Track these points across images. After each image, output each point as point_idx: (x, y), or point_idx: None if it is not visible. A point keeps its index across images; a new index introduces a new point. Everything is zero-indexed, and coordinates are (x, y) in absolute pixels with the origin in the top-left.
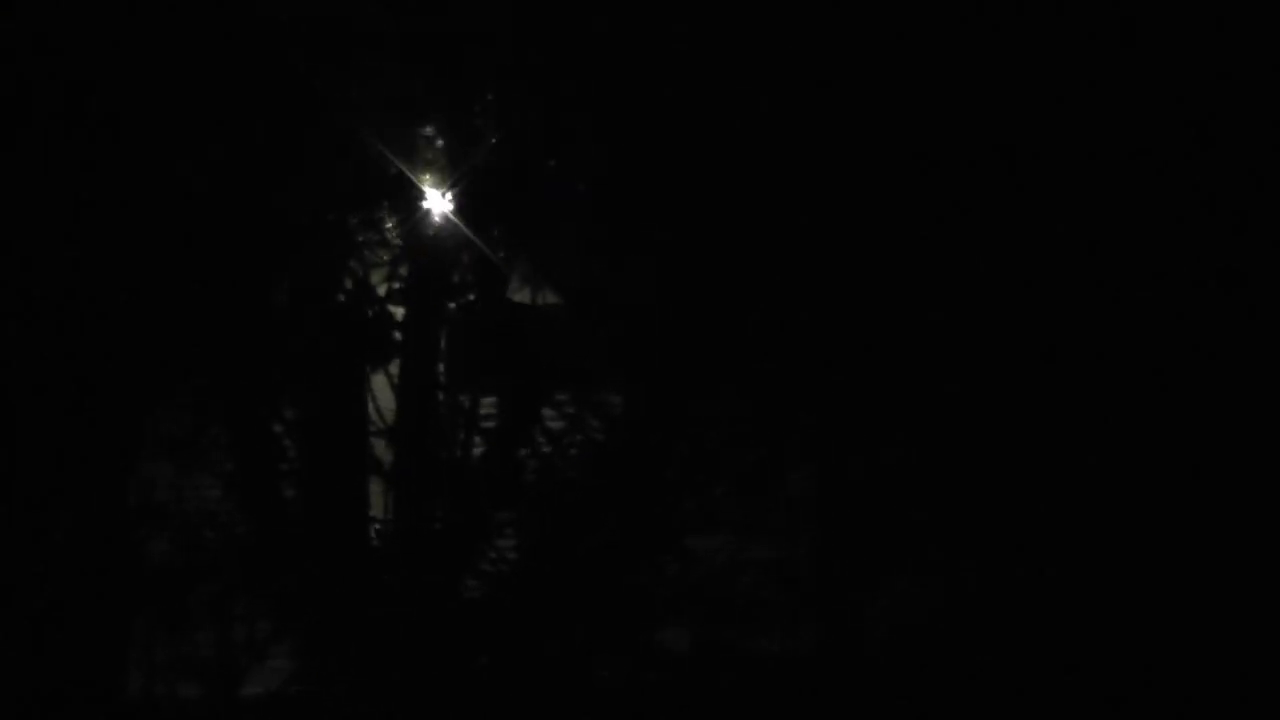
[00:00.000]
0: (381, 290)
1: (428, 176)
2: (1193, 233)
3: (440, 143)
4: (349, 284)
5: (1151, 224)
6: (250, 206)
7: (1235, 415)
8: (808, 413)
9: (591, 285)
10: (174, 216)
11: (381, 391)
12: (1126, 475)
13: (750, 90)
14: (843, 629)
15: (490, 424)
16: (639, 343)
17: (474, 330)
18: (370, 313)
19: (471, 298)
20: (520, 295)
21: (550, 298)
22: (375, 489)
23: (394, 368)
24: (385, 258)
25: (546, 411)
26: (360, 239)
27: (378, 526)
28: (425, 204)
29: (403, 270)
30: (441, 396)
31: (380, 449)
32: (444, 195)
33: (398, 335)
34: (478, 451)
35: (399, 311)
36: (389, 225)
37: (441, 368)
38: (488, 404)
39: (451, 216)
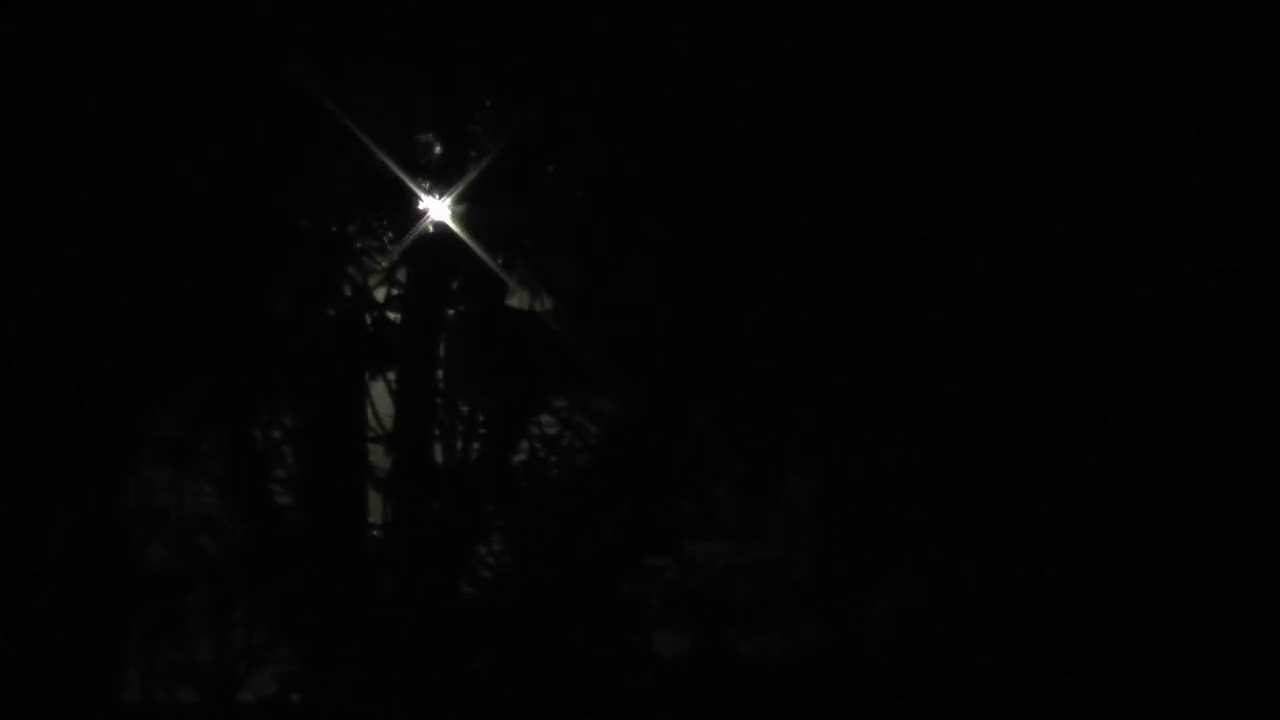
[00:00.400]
0: (380, 296)
1: (426, 183)
2: (1193, 233)
3: (438, 149)
4: (348, 290)
5: (1151, 224)
6: (249, 212)
7: (1235, 415)
8: (807, 413)
9: (590, 289)
10: (174, 220)
11: (380, 398)
12: (1126, 475)
13: (750, 90)
14: (843, 629)
15: (489, 429)
16: (637, 346)
17: (472, 336)
18: (369, 319)
19: (470, 304)
20: (518, 301)
21: (548, 303)
22: (374, 494)
23: (393, 374)
24: (384, 264)
25: (544, 417)
26: (359, 245)
27: (376, 532)
28: (424, 210)
29: (401, 276)
30: (440, 402)
31: (379, 455)
32: (442, 201)
33: (396, 341)
34: (476, 457)
35: (397, 318)
36: (388, 232)
37: (440, 374)
38: (486, 409)
39: (450, 223)
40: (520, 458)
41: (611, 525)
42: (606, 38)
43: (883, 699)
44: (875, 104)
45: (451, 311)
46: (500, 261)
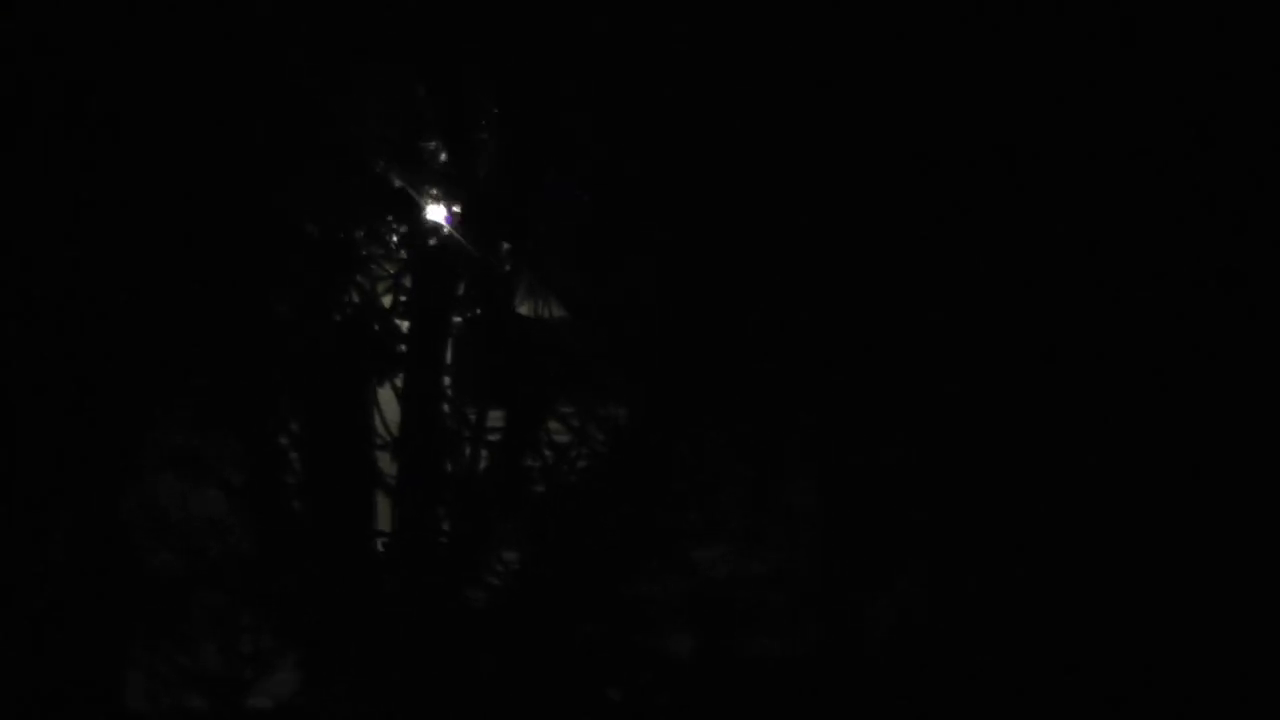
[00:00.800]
0: (386, 302)
1: (432, 189)
2: (1193, 233)
3: (443, 155)
4: (354, 297)
5: (1151, 224)
6: (256, 218)
7: (1235, 416)
8: (808, 415)
9: (594, 293)
10: (179, 224)
11: (388, 404)
12: (1125, 475)
13: (750, 91)
14: (844, 631)
15: (495, 435)
16: (640, 349)
17: (479, 343)
18: (375, 326)
19: (476, 310)
20: (524, 307)
21: (554, 309)
22: (382, 500)
23: (400, 380)
24: (390, 270)
25: (551, 423)
26: (365, 252)
27: (383, 537)
28: (429, 217)
29: (407, 282)
30: (447, 408)
31: (386, 461)
32: (448, 208)
33: (402, 348)
34: (483, 463)
35: (404, 324)
36: (394, 238)
37: (447, 380)
38: (493, 415)
39: (455, 229)
40: (526, 463)
41: (616, 530)
42: (607, 39)
43: (884, 700)
44: (875, 104)
45: (458, 317)
46: (506, 267)
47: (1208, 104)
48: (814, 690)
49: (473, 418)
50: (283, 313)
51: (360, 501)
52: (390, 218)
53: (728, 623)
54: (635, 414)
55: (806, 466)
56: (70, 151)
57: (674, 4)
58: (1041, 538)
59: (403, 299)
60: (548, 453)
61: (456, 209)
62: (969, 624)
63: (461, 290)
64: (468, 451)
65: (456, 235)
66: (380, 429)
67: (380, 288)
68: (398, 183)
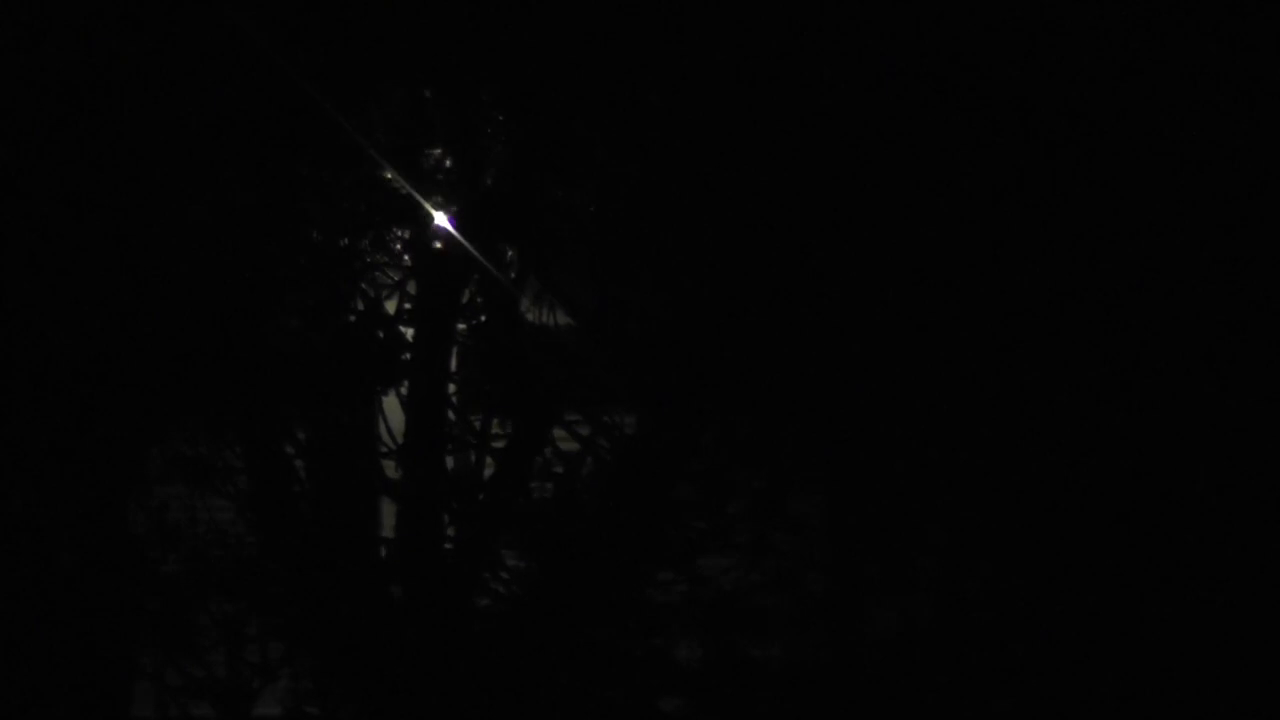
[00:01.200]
0: (391, 309)
1: (437, 196)
2: (1192, 232)
3: (449, 162)
4: (360, 305)
5: (1151, 224)
6: (261, 225)
7: (1235, 416)
8: (817, 421)
9: (601, 301)
10: (185, 232)
11: (394, 412)
12: (1128, 488)
13: (759, 102)
14: (851, 638)
15: (501, 444)
16: (650, 360)
17: (484, 351)
18: (380, 333)
19: (481, 318)
20: (530, 315)
21: (560, 317)
22: (387, 508)
23: (405, 387)
24: (395, 278)
25: (557, 431)
26: (370, 259)
27: (389, 545)
28: (435, 224)
29: (412, 289)
30: (452, 417)
31: (392, 469)
32: (454, 215)
33: (407, 355)
34: (489, 471)
35: (409, 331)
36: (399, 245)
37: (452, 387)
38: (499, 424)
39: (461, 237)
40: (532, 471)
41: (622, 539)
42: (614, 48)
43: (890, 707)
44: (885, 116)
45: (462, 325)
46: (511, 275)
47: (1208, 103)
48: (820, 698)
49: (478, 425)
50: (289, 320)
51: (366, 509)
52: (395, 225)
53: (735, 630)
54: (642, 422)
55: (814, 474)
56: (80, 158)
57: (684, 15)
58: (1047, 542)
59: (407, 306)
60: (553, 461)
61: (461, 216)
62: (974, 633)
63: (466, 297)
64: (473, 459)
65: (461, 242)
66: (385, 436)
67: (385, 295)
68: (403, 190)
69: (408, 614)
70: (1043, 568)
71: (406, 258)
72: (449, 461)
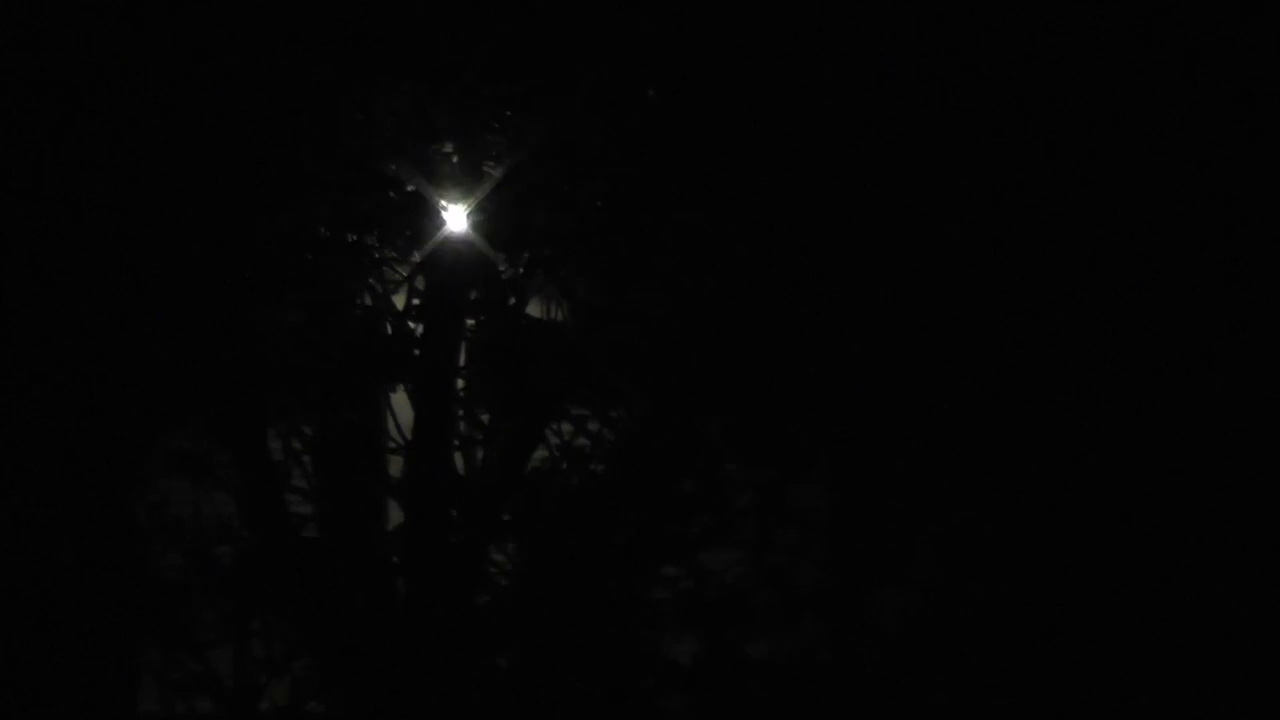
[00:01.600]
0: (399, 305)
1: (445, 192)
2: (1193, 232)
3: (456, 159)
4: (367, 300)
5: (1151, 224)
6: (269, 220)
7: (1235, 418)
8: (820, 417)
9: (607, 299)
10: (194, 227)
11: (402, 408)
12: (1124, 486)
13: (766, 100)
14: (851, 633)
15: (507, 438)
16: (653, 355)
17: (491, 346)
18: (388, 328)
19: (488, 314)
20: (537, 310)
21: (565, 312)
22: (393, 503)
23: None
24: (403, 273)
25: (563, 425)
26: (378, 255)
27: (394, 540)
28: (443, 221)
29: (420, 285)
30: (460, 412)
31: (398, 464)
32: (462, 212)
33: (415, 351)
34: (495, 465)
35: (417, 327)
36: (407, 241)
37: (459, 382)
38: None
39: (469, 233)
40: (538, 466)
41: (627, 534)
42: (623, 47)
43: (891, 704)
44: (885, 115)
45: (470, 321)
46: (519, 271)
47: (1208, 103)
48: (821, 693)
49: (485, 420)
50: (297, 315)
51: (371, 505)
52: (404, 220)
53: (737, 625)
54: (646, 417)
55: (816, 469)
56: (82, 155)
57: (693, 14)
58: (1047, 539)
59: (415, 302)
60: (557, 455)
61: (469, 212)
62: (973, 628)
63: (474, 293)
64: (479, 454)
65: (469, 238)
66: (394, 433)
67: (392, 290)
68: (410, 186)
69: (411, 610)
70: (1042, 565)
71: (414, 254)
72: (457, 458)
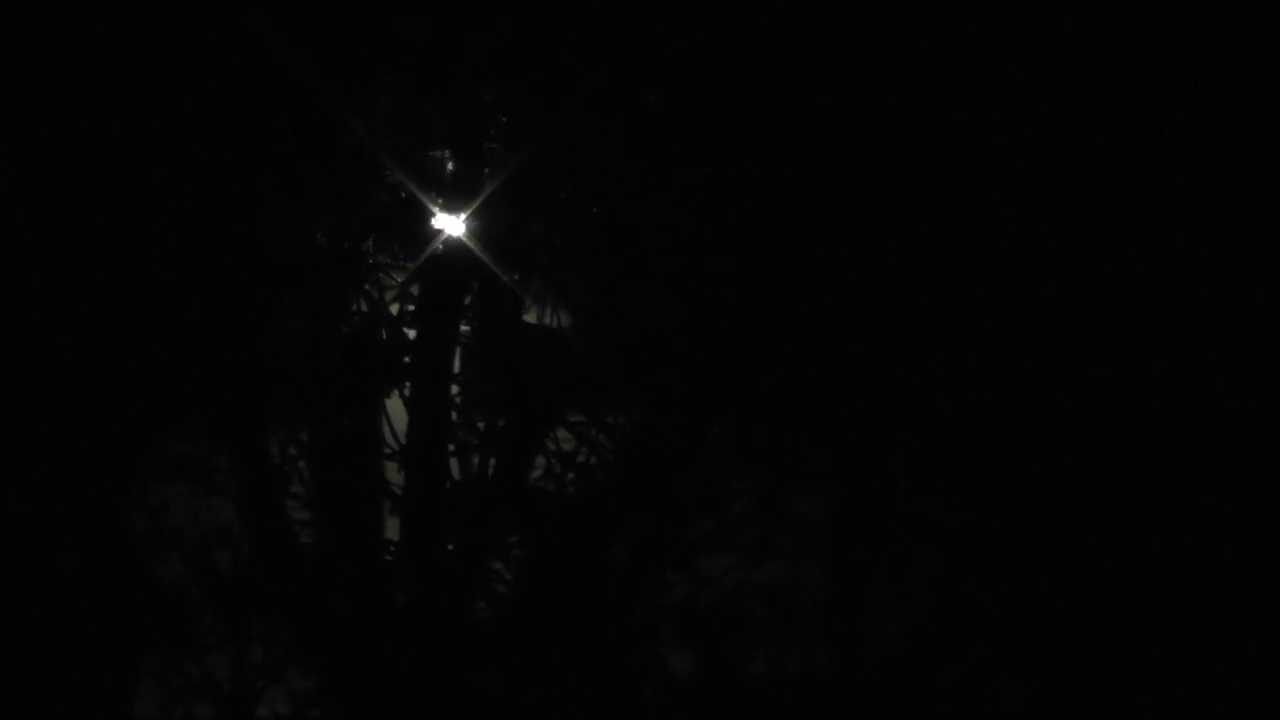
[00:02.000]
0: (395, 311)
1: (441, 198)
2: (1193, 233)
3: (452, 164)
4: (363, 306)
5: (1151, 224)
6: (265, 226)
7: (1235, 418)
8: (820, 421)
9: (604, 304)
10: (188, 232)
11: (398, 414)
12: (1126, 493)
13: (764, 102)
14: (851, 641)
15: (504, 445)
16: (650, 358)
17: (487, 351)
18: (383, 334)
19: (484, 319)
20: (532, 315)
21: (562, 317)
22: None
23: (408, 388)
24: (398, 279)
25: (560, 432)
26: (373, 260)
27: (392, 548)
28: (438, 225)
29: (415, 290)
30: (455, 417)
31: (395, 470)
32: (457, 216)
33: (411, 356)
34: (491, 472)
35: (412, 332)
36: (402, 246)
37: (455, 388)
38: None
39: (464, 238)
40: (536, 473)
41: (626, 541)
42: (619, 52)
43: (890, 712)
44: (885, 115)
45: (466, 326)
46: (515, 276)
47: (1208, 103)
48: (821, 703)
49: (481, 426)
50: (292, 321)
51: (368, 511)
52: (399, 226)
53: (736, 634)
54: (644, 422)
55: (817, 475)
56: (81, 158)
57: (691, 17)
58: (1045, 552)
59: (411, 307)
60: (554, 462)
61: (464, 217)
62: (975, 638)
63: (469, 298)
64: (476, 461)
65: (465, 243)
66: (388, 438)
67: (388, 296)
68: (406, 190)
69: (409, 617)
70: (1042, 565)
71: (409, 259)
72: (452, 463)
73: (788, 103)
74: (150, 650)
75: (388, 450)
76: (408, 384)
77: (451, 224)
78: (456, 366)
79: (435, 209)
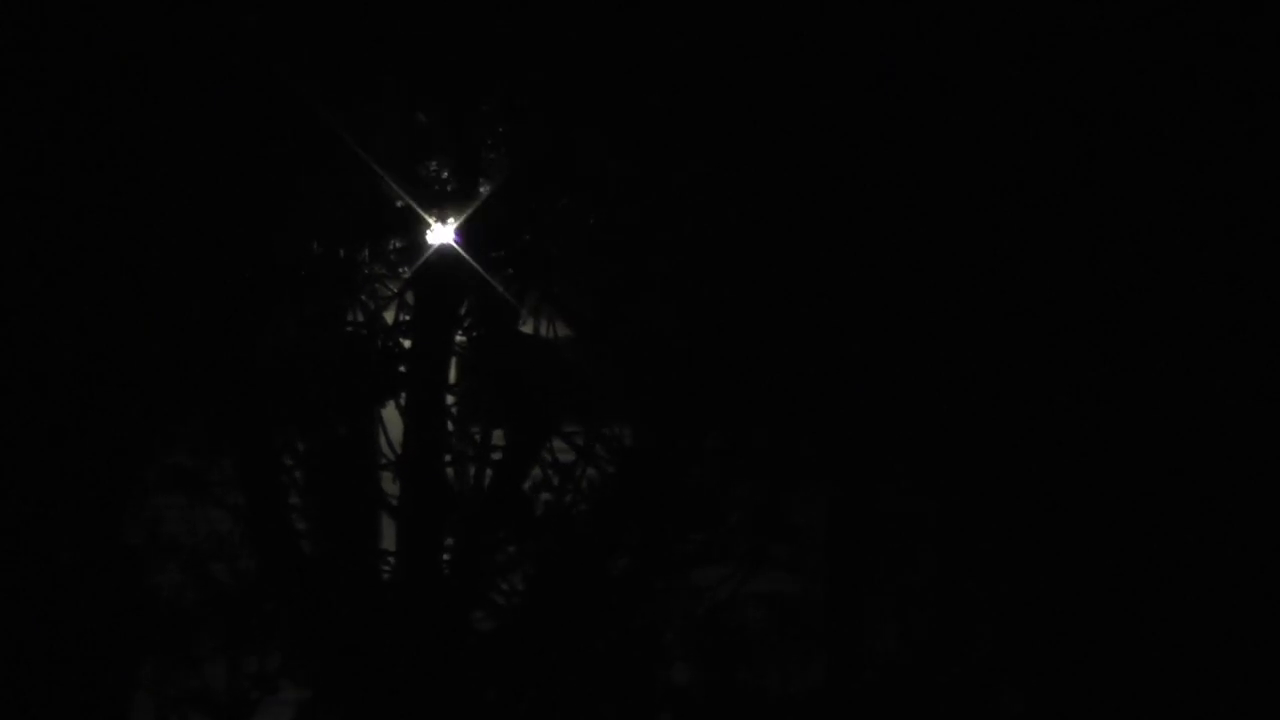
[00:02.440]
0: (390, 320)
1: (436, 208)
2: (1193, 233)
3: (447, 175)
4: (358, 315)
5: (1151, 224)
6: (260, 236)
7: (1235, 418)
8: (817, 434)
9: (601, 314)
10: (183, 243)
11: (394, 424)
12: (1125, 483)
13: (762, 112)
14: (848, 653)
15: (501, 455)
16: (648, 369)
17: (483, 362)
18: (379, 344)
19: (480, 329)
20: (528, 326)
21: (558, 328)
22: (387, 519)
23: (404, 399)
24: (393, 289)
25: (556, 443)
26: (369, 271)
27: (388, 558)
28: (433, 236)
29: (410, 300)
30: (451, 428)
31: (391, 481)
32: (453, 227)
33: (407, 366)
34: (487, 483)
35: (407, 342)
36: (398, 257)
37: (450, 399)
38: (498, 435)
39: (459, 248)
40: (532, 484)
41: (622, 551)
42: (618, 60)
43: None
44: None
45: (462, 336)
46: (512, 287)
47: (1208, 103)
48: (821, 709)
49: (477, 437)
50: (287, 331)
51: (364, 521)
52: (394, 236)
53: (732, 644)
54: (641, 433)
55: (814, 486)
56: (78, 165)
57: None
58: (1043, 564)
59: (406, 317)
60: (550, 472)
61: (460, 227)
62: (973, 648)
63: (465, 309)
64: (472, 471)
65: (460, 253)
66: (384, 448)
67: (384, 306)
68: (402, 201)
69: (405, 628)
70: (1042, 565)
71: (404, 269)
72: (449, 473)
73: (787, 103)
74: (146, 659)
75: (384, 460)
76: (404, 394)
77: (447, 233)
78: (452, 376)
79: (431, 218)
